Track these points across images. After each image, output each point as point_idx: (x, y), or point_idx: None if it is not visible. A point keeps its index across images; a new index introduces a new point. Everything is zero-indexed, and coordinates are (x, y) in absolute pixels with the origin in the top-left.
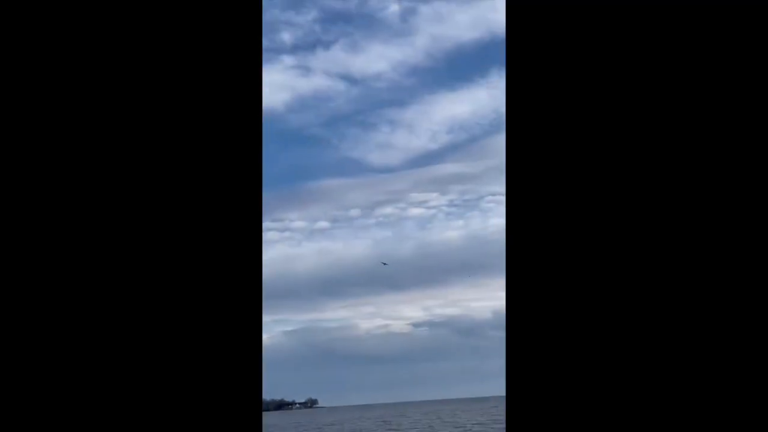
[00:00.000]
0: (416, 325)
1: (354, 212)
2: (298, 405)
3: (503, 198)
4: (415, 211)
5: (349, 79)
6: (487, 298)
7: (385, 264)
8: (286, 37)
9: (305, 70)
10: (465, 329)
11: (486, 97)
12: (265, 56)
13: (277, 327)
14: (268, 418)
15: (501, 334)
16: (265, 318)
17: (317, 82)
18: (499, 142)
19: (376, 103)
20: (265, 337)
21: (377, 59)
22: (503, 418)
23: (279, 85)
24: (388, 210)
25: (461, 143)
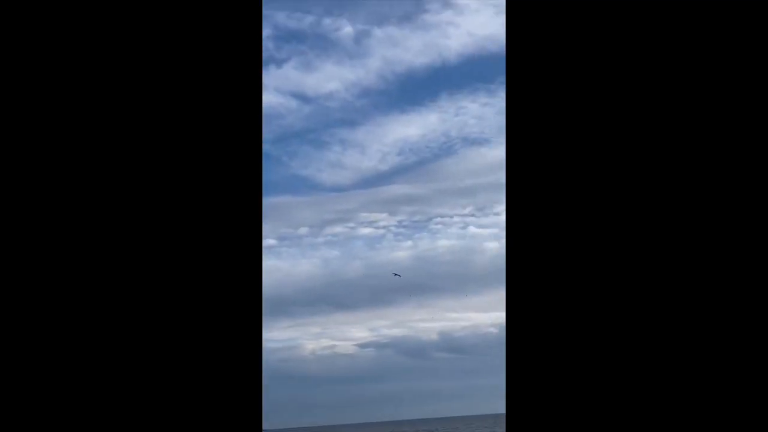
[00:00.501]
0: (362, 345)
1: (303, 230)
2: None
3: (451, 220)
4: (365, 231)
5: (301, 97)
6: (433, 319)
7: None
8: None
9: None
10: (411, 350)
11: (436, 121)
12: None
13: None
14: None
15: (447, 356)
16: None
17: (269, 99)
18: (448, 165)
19: (328, 122)
20: None
21: (330, 79)
22: None
23: None
24: (338, 229)
25: (411, 165)
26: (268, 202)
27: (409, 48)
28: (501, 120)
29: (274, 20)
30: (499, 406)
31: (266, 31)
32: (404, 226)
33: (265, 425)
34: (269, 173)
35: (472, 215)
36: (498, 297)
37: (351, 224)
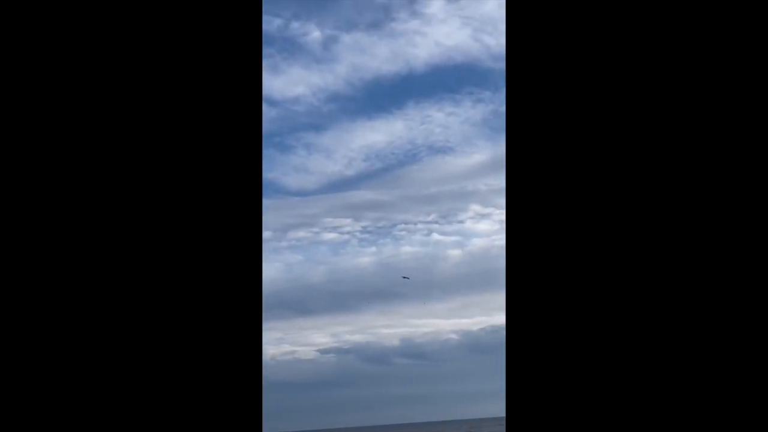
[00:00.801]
0: (323, 351)
1: (266, 234)
2: None
3: (415, 226)
4: (329, 236)
5: (267, 100)
6: (396, 326)
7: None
8: None
9: None
10: (372, 357)
11: (402, 129)
12: None
13: None
14: None
15: (408, 362)
16: None
17: None
18: (413, 173)
19: (294, 126)
20: None
21: (297, 83)
22: None
23: None
24: (302, 233)
25: (377, 171)
26: None
27: (376, 55)
28: (466, 129)
29: None
30: (465, 411)
31: None
32: (368, 232)
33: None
34: None
35: (436, 222)
36: (459, 304)
37: (315, 229)
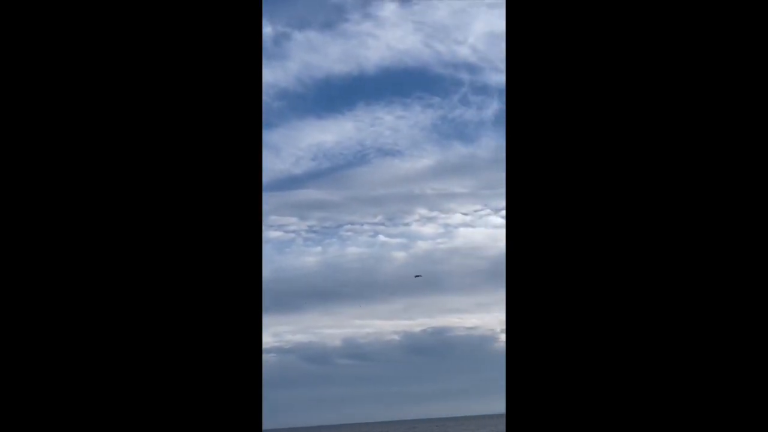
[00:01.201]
0: (264, 351)
1: None
2: None
3: (361, 228)
4: (274, 234)
5: None
6: (338, 326)
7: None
8: None
9: None
10: (313, 357)
11: (352, 129)
12: None
13: None
14: None
15: (350, 362)
16: None
17: None
18: (361, 174)
19: None
20: None
21: None
22: None
23: None
24: None
25: (325, 171)
26: None
27: (328, 54)
28: (415, 133)
29: None
30: (408, 412)
31: None
32: (314, 232)
33: None
34: None
35: (382, 224)
36: (402, 305)
37: None
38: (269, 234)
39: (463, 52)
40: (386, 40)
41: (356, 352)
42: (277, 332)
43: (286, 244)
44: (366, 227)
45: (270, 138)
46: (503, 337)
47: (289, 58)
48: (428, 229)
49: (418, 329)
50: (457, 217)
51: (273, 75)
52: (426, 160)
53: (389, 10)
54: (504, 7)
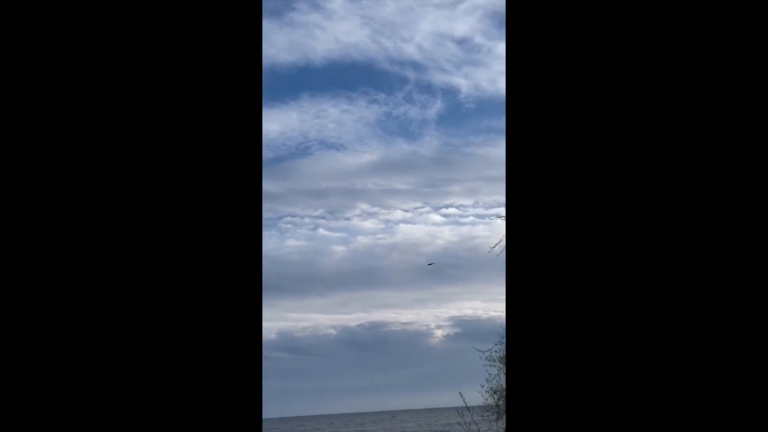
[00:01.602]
0: None
1: None
2: None
3: (301, 220)
4: None
5: None
6: (274, 319)
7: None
8: None
9: None
10: None
11: (296, 120)
12: None
13: None
14: None
15: (285, 356)
16: None
17: None
18: (304, 166)
19: None
20: None
21: None
22: None
23: None
24: None
25: (267, 161)
26: None
27: (274, 43)
28: (359, 128)
29: None
30: (344, 405)
31: None
32: None
33: None
34: None
35: (323, 218)
36: (340, 300)
37: None
38: None
39: (409, 49)
40: (333, 32)
41: (292, 346)
42: None
43: None
44: (306, 220)
45: None
46: (438, 332)
47: None
48: (369, 224)
49: (354, 323)
50: (398, 214)
51: None
52: (369, 155)
53: (337, 3)
54: (453, 9)
